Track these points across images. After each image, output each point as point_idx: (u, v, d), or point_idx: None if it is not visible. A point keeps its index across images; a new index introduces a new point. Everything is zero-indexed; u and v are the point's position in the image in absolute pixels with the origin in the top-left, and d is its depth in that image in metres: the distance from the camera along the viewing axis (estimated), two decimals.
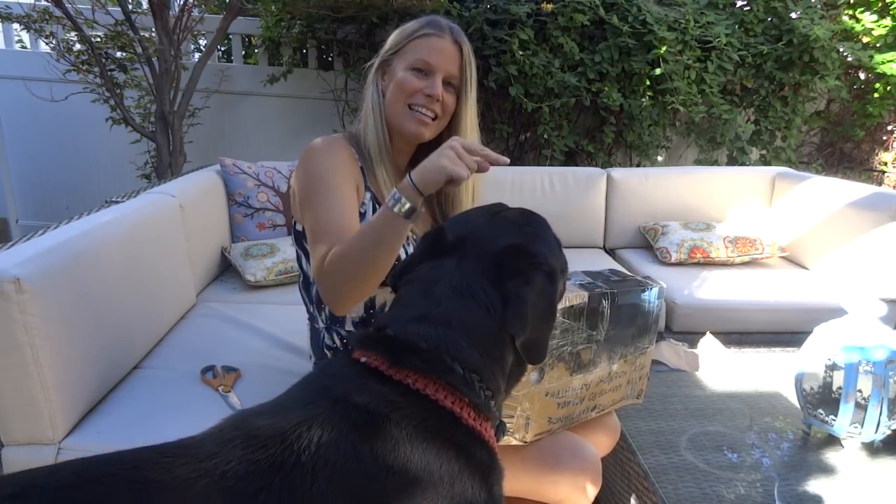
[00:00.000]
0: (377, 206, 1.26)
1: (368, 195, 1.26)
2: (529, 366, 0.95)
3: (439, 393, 0.76)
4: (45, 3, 3.17)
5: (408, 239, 1.28)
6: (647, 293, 1.20)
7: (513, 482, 1.12)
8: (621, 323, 1.16)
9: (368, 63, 1.32)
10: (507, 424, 1.07)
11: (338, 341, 1.33)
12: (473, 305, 0.82)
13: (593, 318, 1.10)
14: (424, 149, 1.24)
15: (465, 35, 1.28)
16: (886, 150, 4.23)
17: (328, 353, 1.36)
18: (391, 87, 1.24)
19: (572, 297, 1.07)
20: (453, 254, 0.86)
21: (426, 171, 0.98)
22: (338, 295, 1.08)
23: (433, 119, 1.25)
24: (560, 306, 1.02)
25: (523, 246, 0.87)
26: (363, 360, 0.79)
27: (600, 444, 1.32)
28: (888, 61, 3.65)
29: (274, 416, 0.71)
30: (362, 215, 1.24)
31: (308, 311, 1.40)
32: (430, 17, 1.27)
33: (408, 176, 1.01)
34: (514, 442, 1.10)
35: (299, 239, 1.30)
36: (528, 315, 0.82)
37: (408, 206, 0.98)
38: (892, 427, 1.33)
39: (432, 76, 1.22)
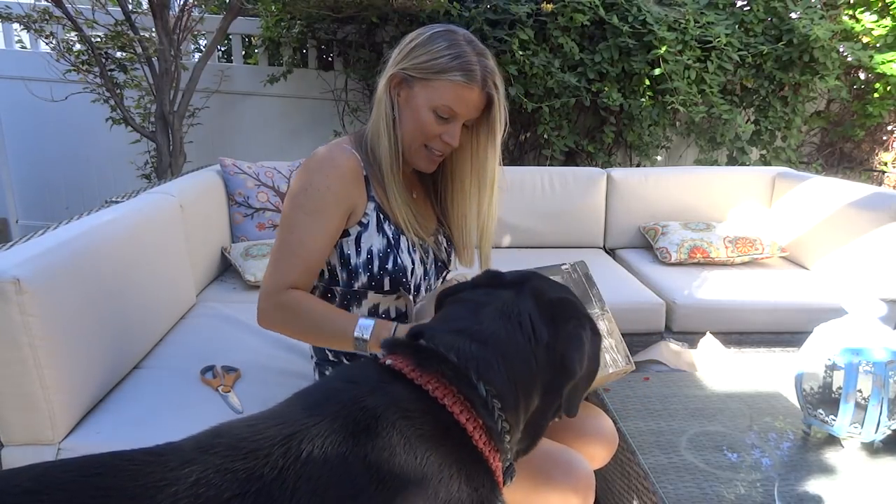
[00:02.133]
0: (381, 215, 1.26)
1: (372, 205, 1.25)
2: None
3: (456, 406, 0.74)
4: (45, 3, 3.17)
5: (413, 245, 1.29)
6: (566, 267, 1.22)
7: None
8: None
9: (381, 68, 1.26)
10: None
11: None
12: (517, 332, 0.80)
13: None
14: None
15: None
16: (886, 150, 4.23)
17: (329, 354, 1.37)
18: (410, 117, 1.21)
19: None
20: (511, 288, 0.88)
21: None
22: (272, 326, 1.22)
23: (441, 154, 1.26)
24: None
25: (576, 304, 0.90)
26: (388, 362, 0.78)
27: (597, 455, 1.30)
28: (888, 61, 3.65)
29: (264, 424, 0.68)
30: (365, 226, 1.25)
31: None
32: (463, 52, 1.17)
33: (395, 327, 1.14)
34: None
35: None
36: (587, 355, 0.82)
37: (369, 352, 1.13)
38: (892, 427, 1.33)
39: (454, 122, 1.21)
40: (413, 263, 1.27)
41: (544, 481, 1.11)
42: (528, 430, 0.83)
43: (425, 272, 1.32)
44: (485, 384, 0.75)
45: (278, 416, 0.70)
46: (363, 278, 1.26)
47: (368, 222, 1.25)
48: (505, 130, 1.27)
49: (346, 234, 1.25)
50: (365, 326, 1.15)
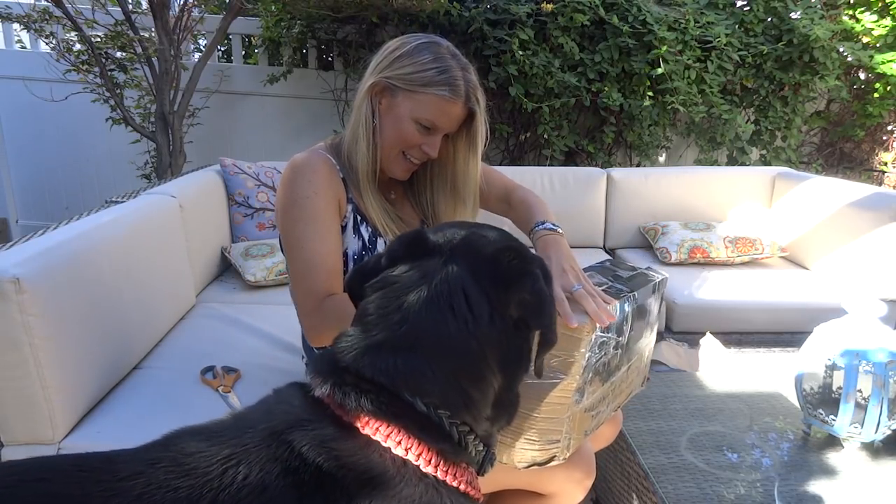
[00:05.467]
0: (358, 218, 1.26)
1: (350, 207, 1.26)
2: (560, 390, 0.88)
3: (390, 439, 0.67)
4: (45, 3, 3.17)
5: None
6: (655, 287, 1.17)
7: (508, 475, 1.13)
8: (638, 322, 1.14)
9: (365, 73, 1.25)
10: (554, 450, 1.03)
11: None
12: (448, 318, 0.71)
13: (621, 323, 1.06)
14: None
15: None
16: (886, 150, 4.23)
17: (317, 352, 1.37)
18: (391, 125, 1.21)
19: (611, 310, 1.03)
20: (438, 254, 0.76)
21: None
22: (321, 337, 1.19)
23: (418, 164, 1.27)
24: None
25: (519, 250, 0.79)
26: (316, 394, 0.71)
27: (603, 434, 1.31)
28: (888, 61, 3.65)
29: (209, 440, 0.65)
30: (343, 228, 1.25)
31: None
32: (449, 67, 1.18)
33: None
34: (556, 463, 1.09)
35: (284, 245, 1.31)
36: (552, 311, 0.74)
37: None
38: (892, 427, 1.33)
39: (434, 134, 1.21)
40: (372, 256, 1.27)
41: None
42: (498, 408, 0.76)
43: None
44: (421, 399, 0.68)
45: (222, 432, 0.67)
46: None
47: (346, 224, 1.25)
48: (486, 144, 1.28)
49: None
50: None
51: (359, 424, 0.67)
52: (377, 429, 0.67)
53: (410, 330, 0.71)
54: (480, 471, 0.77)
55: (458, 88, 1.18)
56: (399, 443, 0.67)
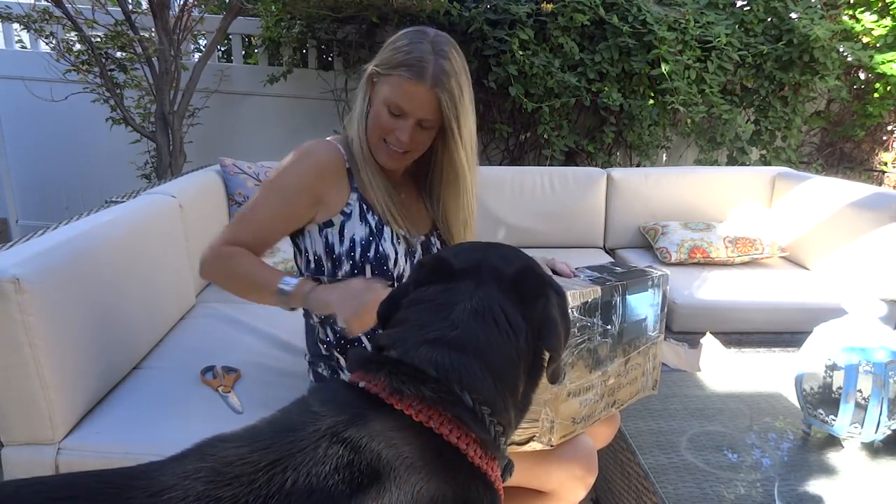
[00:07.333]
0: (363, 205, 1.29)
1: (355, 195, 1.29)
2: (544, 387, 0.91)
3: (444, 427, 0.69)
4: (45, 3, 3.17)
5: (398, 237, 1.30)
6: (653, 282, 1.19)
7: None
8: (633, 315, 1.16)
9: (366, 65, 1.29)
10: (532, 429, 1.05)
11: (331, 336, 1.35)
12: (494, 330, 0.76)
13: (607, 312, 1.09)
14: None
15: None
16: (886, 150, 4.23)
17: (321, 347, 1.38)
18: (373, 111, 1.25)
19: (586, 292, 1.05)
20: (467, 278, 0.82)
21: (318, 300, 1.16)
22: (210, 275, 1.30)
23: (404, 153, 1.26)
24: (575, 303, 1.02)
25: (533, 268, 0.85)
26: (361, 384, 0.72)
27: (600, 434, 1.33)
28: (888, 61, 3.65)
29: (248, 447, 0.65)
30: (348, 215, 1.28)
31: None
32: (418, 50, 1.17)
33: (312, 286, 1.18)
34: (540, 447, 1.09)
35: (294, 234, 1.34)
36: (563, 334, 0.80)
37: (288, 306, 1.22)
38: (892, 427, 1.33)
39: (405, 119, 1.21)
40: (396, 253, 1.29)
41: (547, 454, 1.14)
42: (516, 412, 0.81)
43: (410, 266, 1.33)
44: (470, 393, 0.71)
45: (263, 438, 0.66)
46: (346, 266, 1.28)
47: (351, 212, 1.28)
48: (460, 129, 1.22)
49: (329, 224, 1.28)
50: (288, 281, 1.20)
51: (412, 412, 0.69)
52: (430, 417, 0.69)
53: (462, 335, 0.75)
54: (503, 475, 0.79)
55: (420, 70, 1.16)
56: (451, 431, 0.69)
